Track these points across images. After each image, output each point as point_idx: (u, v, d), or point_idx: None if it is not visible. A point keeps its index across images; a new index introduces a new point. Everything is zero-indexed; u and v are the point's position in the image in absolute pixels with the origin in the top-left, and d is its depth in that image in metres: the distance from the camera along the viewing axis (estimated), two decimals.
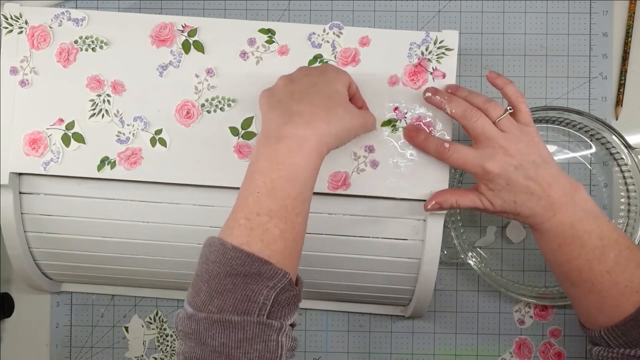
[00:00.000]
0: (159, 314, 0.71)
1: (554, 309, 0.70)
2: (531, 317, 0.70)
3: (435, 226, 0.60)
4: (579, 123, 0.67)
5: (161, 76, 0.60)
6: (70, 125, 0.60)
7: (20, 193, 0.61)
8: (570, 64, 0.69)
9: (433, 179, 0.59)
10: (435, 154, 0.57)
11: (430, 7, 0.69)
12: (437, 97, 0.57)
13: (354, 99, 0.57)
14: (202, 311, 0.45)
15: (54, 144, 0.60)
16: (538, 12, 0.69)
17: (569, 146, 0.69)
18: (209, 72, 0.60)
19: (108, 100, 0.60)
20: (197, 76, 0.60)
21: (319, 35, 0.60)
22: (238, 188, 0.60)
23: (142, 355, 0.71)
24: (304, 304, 0.69)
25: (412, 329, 0.70)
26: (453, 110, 0.56)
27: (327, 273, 0.63)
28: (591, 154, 0.69)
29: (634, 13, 0.69)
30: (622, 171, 0.68)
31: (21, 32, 0.60)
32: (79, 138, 0.60)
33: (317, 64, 0.60)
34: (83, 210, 0.61)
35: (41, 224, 0.62)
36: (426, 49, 0.60)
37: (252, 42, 0.60)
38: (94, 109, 0.60)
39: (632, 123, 0.69)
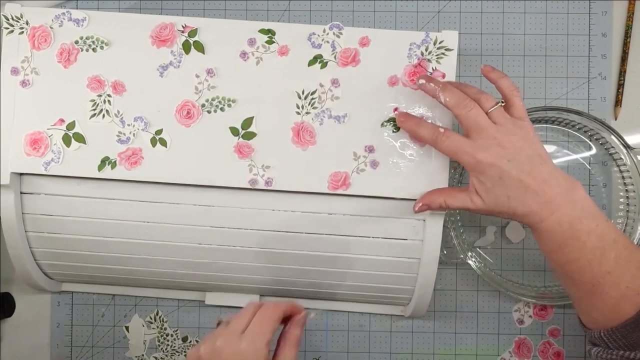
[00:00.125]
0: (160, 313, 0.71)
1: (554, 308, 0.70)
2: (530, 316, 0.70)
3: (435, 226, 0.60)
4: (578, 123, 0.67)
5: (161, 76, 0.60)
6: (71, 126, 0.60)
7: (21, 193, 0.62)
8: (570, 65, 0.69)
9: (433, 179, 0.59)
10: (429, 139, 0.56)
11: (430, 7, 0.69)
12: (431, 84, 0.56)
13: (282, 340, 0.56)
14: None
15: (54, 144, 0.60)
16: (537, 12, 0.69)
17: (568, 146, 0.69)
18: (209, 72, 0.60)
19: (109, 101, 0.60)
20: (197, 76, 0.60)
21: (319, 35, 0.60)
22: (238, 188, 0.61)
23: (143, 355, 0.71)
24: (304, 303, 0.69)
25: (412, 328, 0.70)
26: (447, 99, 0.55)
27: (327, 273, 0.63)
28: (590, 154, 0.69)
29: (633, 13, 0.69)
30: (621, 171, 0.68)
31: (22, 32, 0.61)
32: (80, 138, 0.60)
33: (317, 64, 0.60)
34: (84, 210, 0.62)
35: (42, 223, 0.63)
36: (426, 49, 0.60)
37: (252, 42, 0.60)
38: (94, 109, 0.60)
39: (631, 123, 0.69)
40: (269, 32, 0.60)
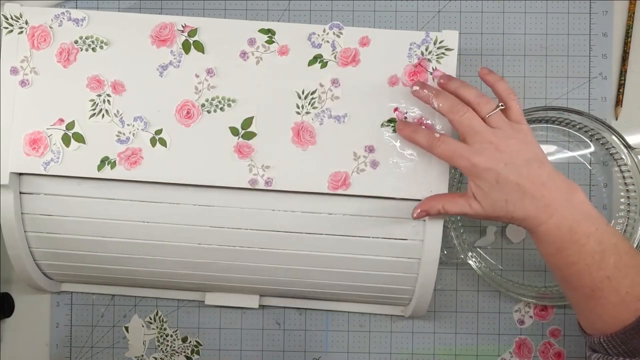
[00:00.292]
0: (159, 313, 0.71)
1: (554, 309, 0.70)
2: (531, 317, 0.70)
3: (435, 226, 0.60)
4: (579, 123, 0.67)
5: (161, 76, 0.60)
6: (71, 125, 0.60)
7: (20, 193, 0.61)
8: (570, 64, 0.69)
9: (433, 179, 0.59)
10: (425, 144, 0.56)
11: (430, 7, 0.69)
12: (424, 91, 0.56)
13: None
14: None
15: (54, 144, 0.60)
16: (538, 12, 0.69)
17: (569, 146, 0.69)
18: (209, 72, 0.60)
19: (108, 100, 0.60)
20: (197, 76, 0.60)
21: (319, 35, 0.60)
22: (238, 188, 0.60)
23: (142, 355, 0.71)
24: (304, 303, 0.69)
25: (412, 328, 0.70)
26: (440, 105, 0.55)
27: (327, 273, 0.63)
28: (591, 154, 0.69)
29: (633, 13, 0.69)
30: (621, 171, 0.68)
31: (21, 32, 0.60)
32: (79, 138, 0.60)
33: (317, 64, 0.60)
34: (83, 210, 0.62)
35: (41, 224, 0.62)
36: (426, 49, 0.60)
37: (252, 42, 0.60)
38: (94, 109, 0.60)
39: (631, 123, 0.69)
40: (269, 32, 0.60)
